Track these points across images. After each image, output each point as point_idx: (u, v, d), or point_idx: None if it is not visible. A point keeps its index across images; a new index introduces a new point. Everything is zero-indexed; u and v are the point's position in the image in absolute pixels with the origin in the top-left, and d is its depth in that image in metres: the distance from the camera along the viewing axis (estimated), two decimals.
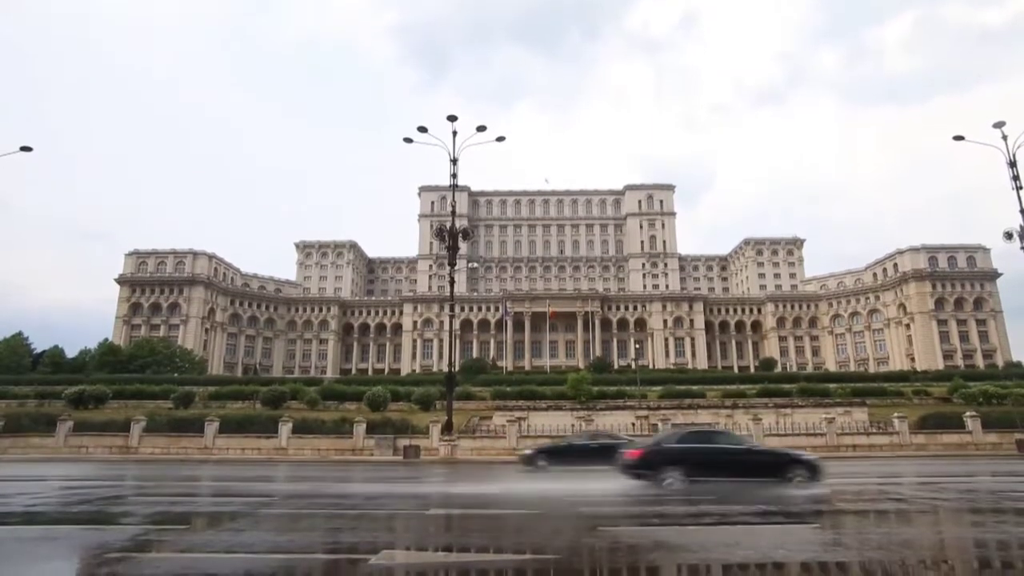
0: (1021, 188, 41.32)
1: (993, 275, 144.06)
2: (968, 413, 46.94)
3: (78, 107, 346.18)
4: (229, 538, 11.34)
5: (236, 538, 11.34)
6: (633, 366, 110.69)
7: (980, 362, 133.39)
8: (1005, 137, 41.24)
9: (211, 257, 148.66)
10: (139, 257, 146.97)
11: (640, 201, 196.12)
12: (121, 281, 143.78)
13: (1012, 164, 41.36)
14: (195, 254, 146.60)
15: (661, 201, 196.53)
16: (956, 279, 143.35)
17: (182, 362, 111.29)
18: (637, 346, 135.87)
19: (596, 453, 27.35)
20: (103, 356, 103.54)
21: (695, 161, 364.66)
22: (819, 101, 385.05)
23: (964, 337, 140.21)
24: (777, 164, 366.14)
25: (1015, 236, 42.05)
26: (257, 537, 11.59)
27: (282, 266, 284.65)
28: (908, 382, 76.76)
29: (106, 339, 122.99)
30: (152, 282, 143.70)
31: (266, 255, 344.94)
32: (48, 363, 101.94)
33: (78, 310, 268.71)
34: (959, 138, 43.09)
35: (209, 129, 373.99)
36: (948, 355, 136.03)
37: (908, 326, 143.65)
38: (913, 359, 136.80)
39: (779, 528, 12.16)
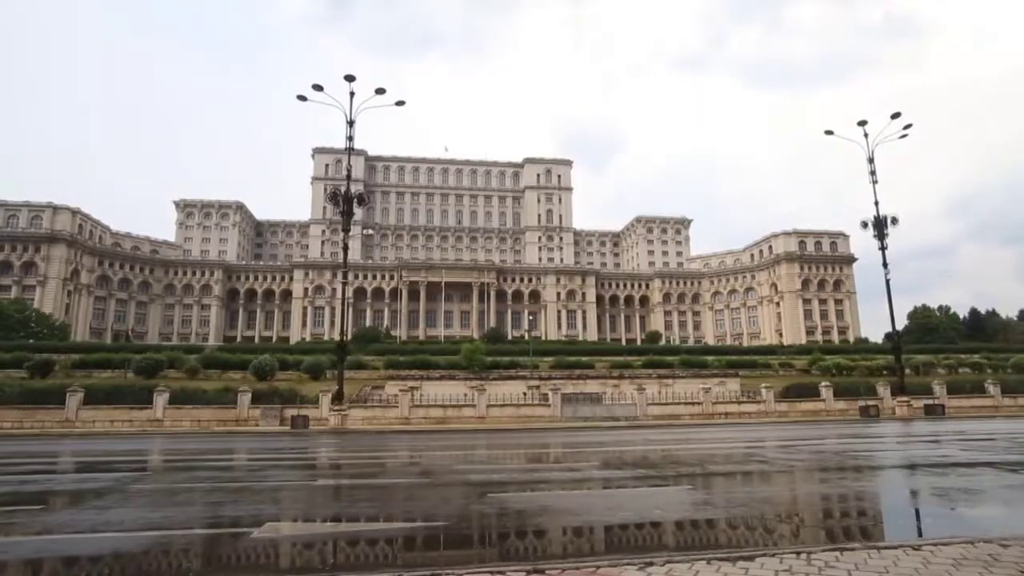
0: (876, 183, 45.87)
1: (850, 259, 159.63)
2: (823, 384, 52.09)
3: None
4: (94, 517, 10.54)
5: (102, 516, 10.56)
6: (527, 337, 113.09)
7: (836, 337, 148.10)
8: (867, 135, 45.41)
9: (75, 212, 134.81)
10: None
11: (539, 175, 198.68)
12: None
13: (871, 160, 45.69)
14: (55, 208, 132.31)
15: (559, 176, 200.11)
16: (820, 262, 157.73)
17: (39, 327, 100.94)
18: (531, 317, 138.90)
19: None
20: None
21: (606, 123, 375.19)
22: (730, 75, 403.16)
23: (824, 315, 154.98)
24: (685, 132, 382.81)
25: (869, 225, 46.73)
26: (127, 514, 10.85)
27: (160, 226, 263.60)
28: (776, 355, 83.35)
29: None
30: (1, 238, 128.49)
31: (142, 214, 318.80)
32: None
33: None
34: (829, 132, 46.97)
35: (70, 72, 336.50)
36: (810, 331, 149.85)
37: (778, 304, 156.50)
38: (781, 334, 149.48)
39: (656, 490, 12.96)
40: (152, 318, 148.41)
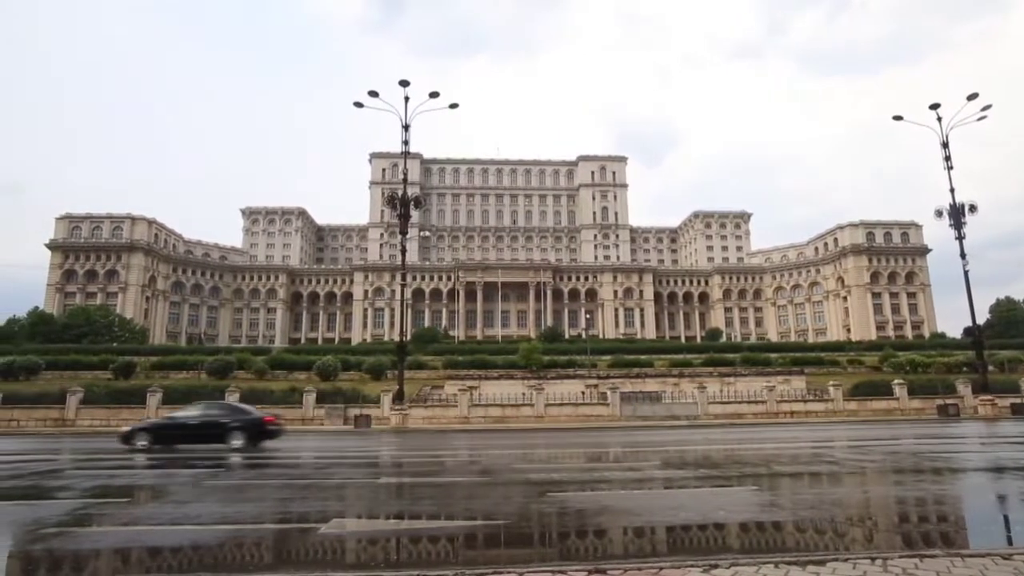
0: (951, 168, 43.33)
1: (923, 251, 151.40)
2: (896, 381, 49.67)
3: None
4: (173, 510, 11.12)
5: (181, 510, 11.12)
6: (584, 336, 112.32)
7: (909, 333, 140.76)
8: (940, 119, 42.98)
9: (151, 222, 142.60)
10: (72, 221, 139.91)
11: (593, 172, 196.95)
12: (53, 247, 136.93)
13: (945, 145, 43.21)
14: (133, 219, 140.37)
15: (614, 172, 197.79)
16: (890, 254, 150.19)
17: (121, 331, 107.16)
18: (588, 316, 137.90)
19: None
20: (34, 326, 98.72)
21: (660, 117, 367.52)
22: (790, 62, 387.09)
23: (895, 309, 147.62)
24: (742, 123, 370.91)
25: (944, 214, 44.21)
26: (203, 509, 11.39)
27: (228, 232, 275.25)
28: (843, 352, 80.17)
29: (36, 307, 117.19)
30: (87, 248, 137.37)
31: (210, 221, 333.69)
32: None
33: None
34: (898, 118, 44.68)
35: (141, 86, 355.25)
36: (881, 326, 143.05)
37: (845, 298, 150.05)
38: (849, 330, 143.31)
39: (720, 490, 12.66)
40: (222, 321, 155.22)
